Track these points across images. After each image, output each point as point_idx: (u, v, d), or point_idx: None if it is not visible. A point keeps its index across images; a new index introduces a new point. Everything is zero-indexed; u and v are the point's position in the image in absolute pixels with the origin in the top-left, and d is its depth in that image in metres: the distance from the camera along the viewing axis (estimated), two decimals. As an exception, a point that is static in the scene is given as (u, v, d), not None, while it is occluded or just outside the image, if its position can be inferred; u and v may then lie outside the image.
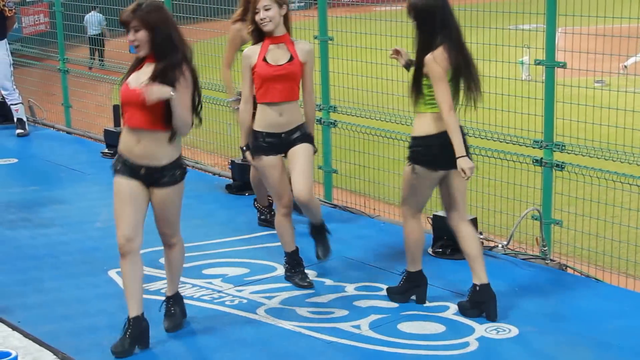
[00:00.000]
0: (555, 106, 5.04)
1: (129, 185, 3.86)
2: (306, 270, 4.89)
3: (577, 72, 5.00)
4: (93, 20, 11.10)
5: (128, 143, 3.83)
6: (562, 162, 5.05)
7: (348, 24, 6.44)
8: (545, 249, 5.08)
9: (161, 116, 3.74)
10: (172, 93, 3.69)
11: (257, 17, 4.36)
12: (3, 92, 8.62)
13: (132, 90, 3.75)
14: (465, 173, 4.04)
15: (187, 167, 4.03)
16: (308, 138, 4.55)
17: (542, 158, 5.11)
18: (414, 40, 4.11)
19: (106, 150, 7.71)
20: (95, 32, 11.43)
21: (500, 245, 5.21)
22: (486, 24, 5.50)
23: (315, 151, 4.60)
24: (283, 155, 4.53)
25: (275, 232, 5.58)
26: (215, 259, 5.11)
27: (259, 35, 4.43)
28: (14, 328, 4.24)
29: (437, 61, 4.01)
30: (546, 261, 5.04)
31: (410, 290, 4.42)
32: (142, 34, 3.69)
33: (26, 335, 4.16)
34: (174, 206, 3.98)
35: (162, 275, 4.87)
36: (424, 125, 4.13)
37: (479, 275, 4.19)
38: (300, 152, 4.48)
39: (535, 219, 5.15)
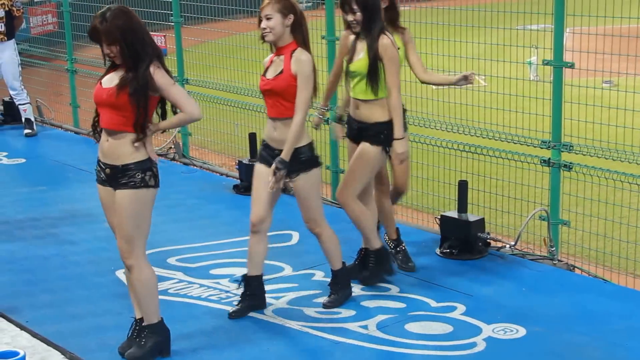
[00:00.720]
0: (563, 106, 5.02)
1: (101, 192, 3.82)
2: (313, 270, 4.89)
3: (586, 73, 4.98)
4: None
5: (101, 144, 3.75)
6: (570, 163, 5.03)
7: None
8: (553, 249, 5.07)
9: (131, 118, 3.61)
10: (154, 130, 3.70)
11: (260, 26, 4.11)
12: (11, 92, 8.66)
13: (104, 89, 3.68)
14: (399, 155, 4.40)
15: (153, 181, 3.68)
16: (303, 165, 4.14)
17: (549, 158, 5.09)
18: (361, 29, 4.32)
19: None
20: None
21: (507, 246, 5.20)
22: (494, 24, 5.49)
23: (319, 171, 4.22)
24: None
25: (282, 232, 5.61)
26: (222, 259, 5.11)
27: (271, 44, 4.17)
28: (22, 328, 4.25)
29: (393, 45, 4.31)
30: (554, 262, 5.03)
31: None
32: (115, 48, 3.59)
33: (34, 334, 4.17)
34: (126, 214, 3.65)
35: (170, 275, 4.89)
36: (384, 110, 4.38)
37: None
38: (295, 189, 4.25)
39: (543, 220, 5.13)
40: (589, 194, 5.09)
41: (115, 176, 3.69)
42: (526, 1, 5.67)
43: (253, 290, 4.34)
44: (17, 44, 8.74)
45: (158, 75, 3.61)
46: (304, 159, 4.15)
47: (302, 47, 4.10)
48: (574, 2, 4.96)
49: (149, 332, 3.85)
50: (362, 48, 4.40)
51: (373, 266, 4.66)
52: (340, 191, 4.59)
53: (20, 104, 8.59)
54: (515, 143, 5.27)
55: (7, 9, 8.36)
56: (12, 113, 9.01)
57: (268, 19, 4.05)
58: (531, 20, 5.41)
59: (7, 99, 9.05)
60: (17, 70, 8.54)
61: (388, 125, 4.39)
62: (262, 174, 4.23)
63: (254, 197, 4.28)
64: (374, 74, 4.32)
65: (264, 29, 4.07)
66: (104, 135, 3.74)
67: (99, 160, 3.78)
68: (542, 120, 5.17)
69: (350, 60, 4.46)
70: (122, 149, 3.66)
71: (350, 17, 4.38)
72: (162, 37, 7.96)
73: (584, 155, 4.98)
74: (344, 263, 4.46)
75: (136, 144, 3.65)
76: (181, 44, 7.65)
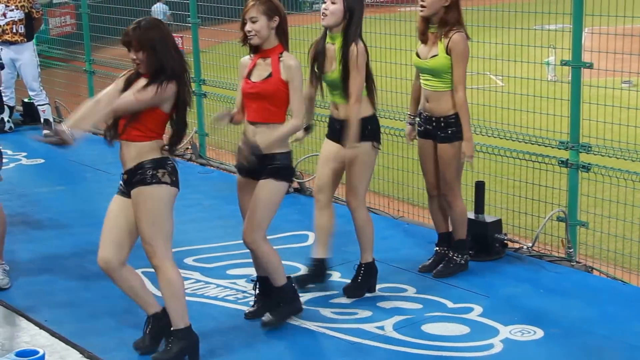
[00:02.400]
0: (582, 107, 4.99)
1: (113, 203, 3.90)
2: (330, 271, 4.89)
3: (604, 73, 4.95)
4: (159, 11, 11.36)
5: (121, 153, 3.86)
6: (588, 164, 5.00)
7: (372, 25, 6.43)
8: (570, 250, 5.04)
9: (148, 129, 3.73)
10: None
11: (245, 29, 3.98)
12: (30, 93, 8.72)
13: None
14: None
15: (170, 179, 3.71)
16: (276, 172, 3.99)
17: (567, 159, 5.06)
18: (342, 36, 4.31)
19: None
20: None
21: (525, 247, 5.17)
22: (511, 24, 5.46)
23: (287, 186, 4.05)
24: (253, 180, 4.07)
25: (298, 233, 5.62)
26: (239, 260, 5.13)
27: (252, 46, 4.04)
28: (40, 327, 4.29)
29: (363, 52, 4.33)
30: (572, 263, 5.00)
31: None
32: (142, 54, 3.67)
33: (53, 333, 4.21)
34: (140, 212, 3.68)
35: (187, 275, 4.90)
36: (365, 107, 4.41)
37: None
38: (256, 192, 4.01)
39: (561, 221, 5.10)
40: (608, 195, 5.06)
41: (130, 180, 3.77)
42: (544, 1, 5.64)
43: (266, 291, 4.33)
44: (36, 45, 8.81)
45: (163, 92, 3.64)
46: (278, 166, 3.99)
47: (286, 50, 4.04)
48: (593, 1, 4.93)
49: (175, 338, 3.84)
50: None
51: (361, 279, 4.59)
52: (348, 198, 4.62)
53: (39, 105, 8.65)
54: (532, 144, 5.24)
55: (26, 10, 8.43)
56: (31, 114, 9.08)
57: (253, 21, 3.94)
58: (549, 20, 5.39)
59: (26, 100, 9.13)
60: (37, 72, 8.61)
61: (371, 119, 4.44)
62: (241, 186, 4.14)
63: (241, 210, 4.19)
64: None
65: (249, 31, 3.95)
66: (122, 145, 3.84)
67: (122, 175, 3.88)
68: (560, 121, 5.14)
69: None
70: (136, 155, 3.76)
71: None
72: (179, 38, 7.99)
73: (603, 156, 4.94)
74: (288, 277, 4.22)
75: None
76: (198, 45, 7.68)
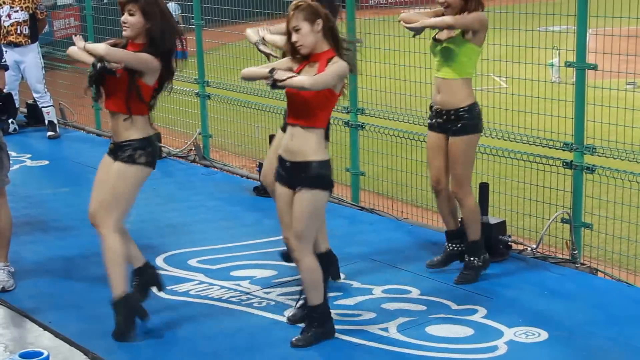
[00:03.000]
0: (586, 108, 4.98)
1: (102, 161, 4.16)
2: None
3: (609, 74, 4.94)
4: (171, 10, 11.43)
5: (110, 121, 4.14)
6: (593, 165, 4.99)
7: (376, 27, 6.43)
8: (575, 252, 5.03)
9: (123, 100, 3.96)
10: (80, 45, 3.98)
11: (292, 41, 3.83)
12: (35, 95, 8.74)
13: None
14: None
15: (151, 157, 4.02)
16: (312, 181, 3.84)
17: (572, 161, 5.06)
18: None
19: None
20: None
21: (529, 249, 5.17)
22: (515, 26, 5.46)
23: (327, 195, 3.89)
24: (291, 190, 3.91)
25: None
26: (243, 261, 5.13)
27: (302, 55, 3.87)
28: (45, 328, 4.29)
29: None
30: (576, 265, 4.99)
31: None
32: (135, 19, 3.90)
33: (57, 335, 4.21)
34: (109, 183, 4.00)
35: (191, 277, 4.91)
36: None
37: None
38: (295, 203, 3.87)
39: (565, 222, 5.09)
40: (612, 196, 5.05)
41: (116, 152, 4.04)
42: (548, 2, 5.64)
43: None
44: (40, 47, 8.83)
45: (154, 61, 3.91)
46: (314, 175, 3.84)
47: (338, 55, 3.82)
48: (597, 2, 4.93)
49: (116, 307, 4.07)
50: None
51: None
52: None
53: (43, 107, 8.67)
54: (536, 145, 5.23)
55: (31, 11, 8.45)
56: (35, 115, 9.09)
57: (296, 30, 3.79)
58: (553, 21, 5.38)
59: (30, 101, 9.14)
60: (41, 73, 8.62)
61: None
62: (280, 195, 3.97)
63: (280, 219, 4.03)
64: None
65: (296, 42, 3.80)
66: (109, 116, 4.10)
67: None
68: (564, 123, 5.13)
69: None
70: (120, 129, 4.03)
71: None
72: (183, 40, 7.99)
73: (607, 157, 4.93)
74: (325, 298, 4.05)
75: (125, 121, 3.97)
76: (202, 47, 7.69)
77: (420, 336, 4.09)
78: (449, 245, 4.90)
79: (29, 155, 7.99)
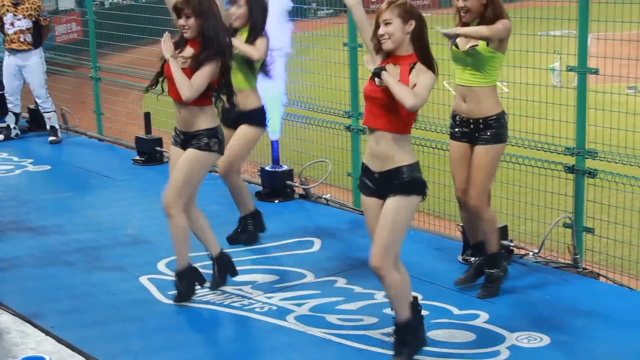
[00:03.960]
0: (587, 113, 4.99)
1: (173, 152, 4.56)
2: (335, 277, 4.89)
3: (610, 79, 4.94)
4: None
5: (176, 115, 4.53)
6: (594, 170, 4.99)
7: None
8: (577, 257, 5.02)
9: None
10: (168, 56, 4.30)
11: (378, 33, 3.68)
12: (37, 100, 8.75)
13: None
14: None
15: (217, 147, 4.42)
16: (404, 187, 3.65)
17: (574, 165, 5.06)
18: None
19: (137, 157, 7.78)
20: None
21: (531, 253, 5.16)
22: (516, 30, 5.45)
23: (419, 200, 3.70)
24: (381, 200, 3.73)
25: (303, 239, 5.61)
26: (244, 266, 5.13)
27: (385, 52, 3.71)
28: (47, 333, 4.29)
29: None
30: (578, 269, 4.99)
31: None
32: (192, 21, 4.29)
33: (59, 340, 4.21)
34: (180, 166, 4.38)
35: (192, 281, 4.91)
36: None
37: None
38: (384, 210, 3.67)
39: (567, 227, 5.09)
40: (614, 201, 5.05)
41: (188, 141, 4.45)
42: (549, 7, 5.65)
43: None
44: (43, 51, 8.83)
45: (213, 62, 4.29)
46: (406, 180, 3.65)
47: (422, 62, 3.64)
48: (598, 7, 4.93)
49: (180, 278, 4.53)
50: None
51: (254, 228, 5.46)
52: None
53: (45, 112, 8.67)
54: (538, 150, 5.24)
55: (34, 19, 8.46)
56: (37, 120, 9.10)
57: (387, 23, 3.62)
58: (554, 26, 5.39)
59: (32, 106, 9.16)
60: (43, 78, 8.62)
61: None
62: (369, 208, 3.77)
63: (370, 233, 3.84)
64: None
65: (382, 35, 3.63)
66: (175, 107, 4.47)
67: (175, 128, 4.53)
68: (565, 127, 5.14)
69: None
70: (191, 120, 4.43)
71: None
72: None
73: (609, 162, 4.94)
74: (418, 309, 3.90)
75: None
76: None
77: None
78: (474, 259, 4.78)
79: (30, 160, 8.00)
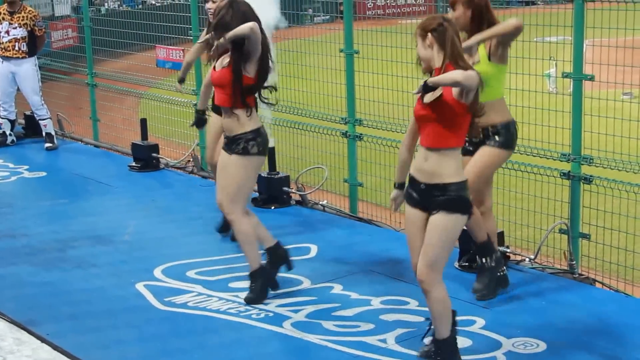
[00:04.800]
0: (583, 119, 5.00)
1: (220, 157, 4.64)
2: (332, 284, 4.89)
3: (605, 85, 4.96)
4: None
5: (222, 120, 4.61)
6: (590, 176, 5.01)
7: (374, 37, 6.45)
8: (573, 263, 5.03)
9: (236, 96, 4.43)
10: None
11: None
12: (32, 108, 8.73)
13: (218, 72, 4.50)
14: None
15: (262, 147, 4.49)
16: (449, 204, 3.62)
17: (569, 171, 5.07)
18: None
19: (133, 164, 7.78)
20: None
21: (527, 259, 5.17)
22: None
23: (465, 219, 3.68)
24: (425, 213, 3.70)
25: (300, 245, 5.61)
26: (241, 272, 5.12)
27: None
28: (42, 340, 4.28)
29: None
30: (574, 275, 4.99)
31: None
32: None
33: (55, 347, 4.20)
34: (230, 174, 4.47)
35: (189, 288, 4.90)
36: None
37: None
38: (430, 226, 3.65)
39: (563, 233, 5.10)
40: (610, 207, 5.06)
41: (230, 145, 4.53)
42: (545, 13, 5.66)
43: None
44: (37, 58, 8.82)
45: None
46: (451, 197, 3.61)
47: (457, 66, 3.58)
48: (594, 13, 4.95)
49: (254, 278, 4.61)
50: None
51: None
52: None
53: (40, 120, 8.66)
54: (534, 156, 5.24)
55: (29, 28, 8.46)
56: (33, 127, 9.09)
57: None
58: (550, 32, 5.40)
59: (28, 112, 9.14)
60: (37, 85, 8.61)
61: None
62: (412, 218, 3.73)
63: (409, 245, 3.83)
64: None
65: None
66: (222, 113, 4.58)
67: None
68: (561, 133, 5.15)
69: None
70: (233, 124, 4.47)
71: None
72: (181, 51, 8.02)
73: (604, 168, 4.95)
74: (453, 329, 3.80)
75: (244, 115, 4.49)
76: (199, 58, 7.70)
77: (419, 347, 4.08)
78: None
79: (26, 167, 7.99)
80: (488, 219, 4.68)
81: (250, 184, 4.59)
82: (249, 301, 4.60)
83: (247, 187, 4.55)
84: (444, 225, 3.62)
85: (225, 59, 4.49)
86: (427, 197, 3.65)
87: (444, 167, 3.61)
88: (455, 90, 3.53)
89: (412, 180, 3.72)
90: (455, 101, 3.54)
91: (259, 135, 4.50)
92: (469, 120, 3.63)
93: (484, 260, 4.67)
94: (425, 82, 3.52)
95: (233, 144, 4.49)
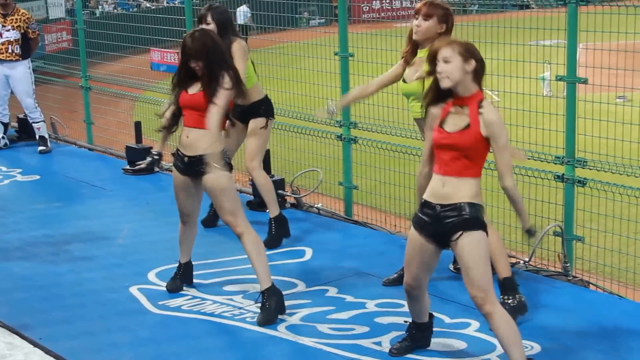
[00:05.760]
0: (577, 122, 5.01)
1: (176, 179, 4.64)
2: (327, 287, 4.89)
3: (599, 88, 4.98)
4: (241, 13, 11.67)
5: (182, 138, 4.57)
6: (584, 178, 5.01)
7: (368, 41, 6.46)
8: (567, 265, 5.04)
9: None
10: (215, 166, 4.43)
11: (437, 70, 3.57)
12: (25, 111, 8.71)
13: (191, 95, 4.49)
14: None
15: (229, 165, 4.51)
16: (468, 224, 3.55)
17: (563, 174, 5.08)
18: None
19: (127, 167, 7.76)
20: (243, 22, 11.98)
21: (521, 262, 5.17)
22: (507, 40, 5.49)
23: (486, 235, 3.61)
24: (434, 244, 3.68)
25: (295, 248, 5.61)
26: (236, 276, 5.12)
27: (440, 90, 3.60)
28: (35, 345, 4.26)
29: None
30: (568, 278, 5.00)
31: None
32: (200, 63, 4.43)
33: (47, 351, 4.18)
34: (221, 190, 4.45)
35: (183, 292, 4.89)
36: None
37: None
38: (462, 252, 3.57)
39: (557, 236, 5.11)
40: (603, 209, 5.07)
41: (195, 164, 4.48)
42: (539, 17, 5.68)
43: (419, 336, 4.04)
44: (31, 61, 8.81)
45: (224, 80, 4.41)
46: (467, 217, 3.55)
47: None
48: (587, 17, 4.97)
49: (268, 295, 4.43)
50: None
51: (275, 231, 5.55)
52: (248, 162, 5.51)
53: (34, 123, 8.64)
54: (528, 159, 5.25)
55: (22, 31, 8.44)
56: (26, 130, 9.06)
57: (446, 62, 3.52)
58: (544, 35, 5.42)
59: (21, 116, 9.12)
60: (31, 88, 8.59)
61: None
62: (413, 242, 3.70)
63: (405, 263, 3.83)
64: None
65: (440, 73, 3.54)
66: (184, 132, 4.52)
67: (178, 150, 4.59)
68: (555, 136, 5.16)
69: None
70: (200, 143, 4.45)
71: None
72: (175, 54, 8.02)
73: (598, 170, 4.96)
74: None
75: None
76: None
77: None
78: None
79: (19, 170, 7.96)
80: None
81: (236, 196, 4.57)
82: (264, 323, 4.37)
83: (237, 198, 4.56)
84: (474, 244, 3.55)
85: (198, 85, 4.46)
86: (442, 220, 3.58)
87: (462, 190, 3.56)
88: (485, 131, 3.52)
89: (426, 204, 3.64)
90: (481, 136, 3.52)
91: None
92: (489, 148, 3.59)
93: (505, 297, 4.43)
94: (529, 229, 3.65)
95: (199, 166, 4.43)
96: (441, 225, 3.58)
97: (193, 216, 4.75)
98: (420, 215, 3.66)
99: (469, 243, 3.54)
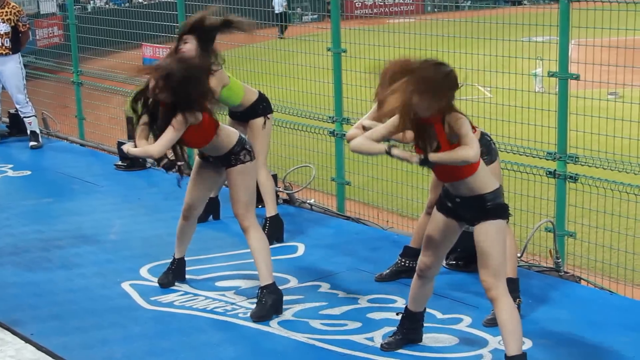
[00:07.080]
0: (569, 118, 5.03)
1: (197, 163, 4.80)
2: (319, 282, 4.89)
3: (591, 84, 4.99)
4: (276, 2, 11.71)
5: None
6: (576, 174, 5.03)
7: (361, 36, 6.46)
8: (559, 261, 5.05)
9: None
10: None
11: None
12: (16, 106, 8.67)
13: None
14: None
15: (249, 156, 4.50)
16: (490, 212, 3.61)
17: (555, 170, 5.09)
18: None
19: (119, 163, 7.74)
20: (279, 10, 12.01)
21: (513, 258, 5.18)
22: (499, 36, 5.50)
23: (505, 222, 3.70)
24: (458, 222, 3.75)
25: (288, 244, 5.61)
26: (228, 271, 5.11)
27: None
28: (27, 340, 4.25)
29: None
30: (560, 273, 5.02)
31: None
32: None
33: (39, 347, 4.17)
34: (240, 183, 4.47)
35: (175, 287, 4.88)
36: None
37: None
38: (479, 238, 3.64)
39: (549, 231, 5.12)
40: (595, 205, 5.09)
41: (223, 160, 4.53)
42: (531, 13, 5.69)
43: (412, 327, 4.08)
44: (22, 56, 8.76)
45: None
46: (489, 207, 3.61)
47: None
48: (579, 13, 4.98)
49: (266, 292, 4.40)
50: None
51: (267, 230, 5.42)
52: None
53: (25, 117, 8.60)
54: (520, 154, 5.27)
55: (13, 24, 8.39)
56: (17, 125, 9.03)
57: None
58: (536, 32, 5.43)
59: (12, 111, 9.08)
60: (22, 83, 8.55)
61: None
62: (436, 222, 3.79)
63: (424, 242, 3.90)
64: None
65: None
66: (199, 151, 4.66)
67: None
68: (547, 132, 5.17)
69: None
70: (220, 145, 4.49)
71: None
72: (168, 50, 7.99)
73: (590, 166, 4.97)
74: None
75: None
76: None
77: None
78: (403, 260, 4.88)
79: (10, 166, 7.93)
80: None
81: (252, 190, 4.55)
82: (257, 318, 4.37)
83: (254, 192, 4.56)
84: (493, 232, 3.62)
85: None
86: (463, 208, 3.67)
87: (476, 183, 3.60)
88: (453, 140, 3.48)
89: (447, 192, 3.72)
90: (453, 146, 3.49)
91: (243, 143, 4.50)
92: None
93: None
94: (425, 158, 3.50)
95: (224, 161, 4.50)
96: (463, 211, 3.69)
97: (197, 210, 4.78)
98: (443, 198, 3.75)
99: (489, 230, 3.62)
